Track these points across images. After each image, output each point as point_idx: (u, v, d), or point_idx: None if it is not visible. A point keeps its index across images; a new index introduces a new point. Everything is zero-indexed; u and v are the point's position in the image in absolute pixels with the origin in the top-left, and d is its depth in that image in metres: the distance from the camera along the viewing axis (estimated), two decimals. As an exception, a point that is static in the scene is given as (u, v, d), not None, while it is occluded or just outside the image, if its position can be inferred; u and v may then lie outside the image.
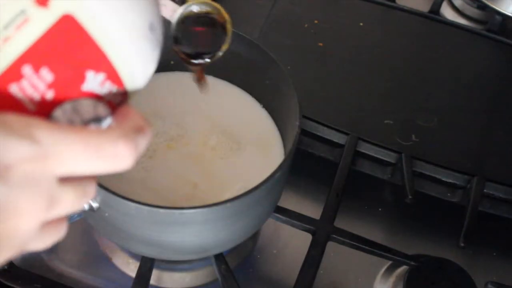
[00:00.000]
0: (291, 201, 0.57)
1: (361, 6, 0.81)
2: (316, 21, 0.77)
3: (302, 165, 0.61)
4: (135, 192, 0.49)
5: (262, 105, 0.58)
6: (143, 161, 0.52)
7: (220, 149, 0.54)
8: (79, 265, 0.55)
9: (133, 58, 0.29)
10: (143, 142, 0.28)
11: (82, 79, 0.27)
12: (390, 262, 0.58)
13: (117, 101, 0.30)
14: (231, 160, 0.53)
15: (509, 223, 0.63)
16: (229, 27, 0.44)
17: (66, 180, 0.26)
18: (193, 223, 0.44)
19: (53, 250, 0.56)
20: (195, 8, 0.44)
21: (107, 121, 0.29)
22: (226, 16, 0.44)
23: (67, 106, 0.27)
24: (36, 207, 0.25)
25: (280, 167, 0.45)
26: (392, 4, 0.82)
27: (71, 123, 0.27)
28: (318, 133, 0.64)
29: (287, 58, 0.53)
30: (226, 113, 0.57)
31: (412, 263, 0.54)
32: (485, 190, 0.62)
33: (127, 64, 0.28)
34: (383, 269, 0.58)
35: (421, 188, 0.63)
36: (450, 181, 0.63)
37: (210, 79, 0.59)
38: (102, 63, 0.27)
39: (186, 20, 0.43)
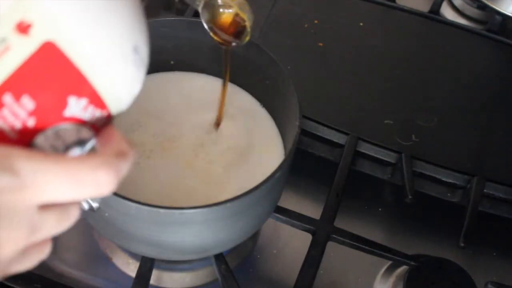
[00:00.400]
0: (291, 201, 0.57)
1: (361, 6, 0.81)
2: (316, 21, 0.77)
3: (302, 165, 0.61)
4: (133, 192, 0.49)
5: (262, 105, 0.58)
6: (140, 161, 0.52)
7: (219, 149, 0.54)
8: (79, 265, 0.55)
9: (117, 81, 0.28)
10: (125, 167, 0.28)
11: (64, 105, 0.26)
12: (390, 262, 0.58)
13: (101, 123, 0.29)
14: (230, 160, 0.53)
15: (509, 223, 0.63)
16: (247, 25, 0.48)
17: (47, 207, 0.26)
18: (193, 223, 0.44)
19: (53, 250, 0.56)
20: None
21: (91, 143, 0.28)
22: (245, 17, 0.48)
23: (49, 133, 0.27)
24: (17, 236, 0.25)
25: (280, 167, 0.45)
26: (392, 4, 0.82)
27: (54, 148, 0.27)
28: (318, 133, 0.64)
29: (287, 58, 0.53)
30: (225, 113, 0.57)
31: (412, 263, 0.54)
32: (485, 190, 0.62)
33: (110, 87, 0.28)
34: (383, 269, 0.58)
35: (421, 188, 0.63)
36: (450, 181, 0.63)
37: (211, 79, 0.59)
38: (85, 89, 0.27)
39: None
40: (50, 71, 0.25)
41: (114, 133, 0.29)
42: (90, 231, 0.58)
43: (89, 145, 0.28)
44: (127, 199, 0.42)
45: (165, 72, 0.59)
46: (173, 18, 0.56)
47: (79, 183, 0.26)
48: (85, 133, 0.28)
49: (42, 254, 0.29)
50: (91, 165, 0.26)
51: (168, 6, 0.83)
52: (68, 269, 0.55)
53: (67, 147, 0.27)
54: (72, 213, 0.29)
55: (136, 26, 0.29)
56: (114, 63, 0.28)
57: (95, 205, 0.44)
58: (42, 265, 0.54)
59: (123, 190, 0.43)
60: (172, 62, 0.58)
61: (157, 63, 0.58)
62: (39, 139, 0.27)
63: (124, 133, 0.52)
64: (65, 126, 0.27)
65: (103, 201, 0.43)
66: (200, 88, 0.59)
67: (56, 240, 0.56)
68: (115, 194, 0.41)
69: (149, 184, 0.50)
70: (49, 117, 0.26)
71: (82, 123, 0.28)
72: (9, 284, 0.51)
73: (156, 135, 0.54)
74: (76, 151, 0.28)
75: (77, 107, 0.27)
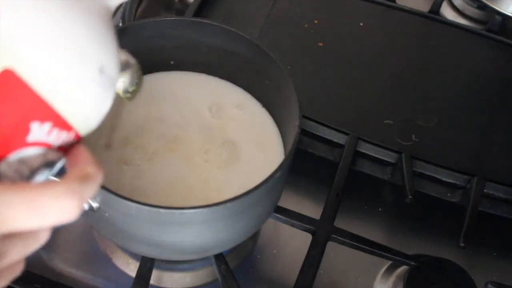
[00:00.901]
0: (291, 201, 0.57)
1: (361, 6, 0.81)
2: (316, 21, 0.77)
3: (302, 165, 0.61)
4: (134, 193, 0.49)
5: (262, 105, 0.58)
6: (141, 163, 0.52)
7: (220, 149, 0.54)
8: (79, 265, 0.55)
9: (82, 103, 0.28)
10: (89, 191, 0.28)
11: (26, 131, 0.26)
12: (390, 262, 0.58)
13: (69, 144, 0.29)
14: (230, 160, 0.53)
15: (509, 223, 0.63)
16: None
17: (12, 234, 0.26)
18: (193, 223, 0.44)
19: (53, 249, 0.56)
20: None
21: (60, 164, 0.28)
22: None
23: (12, 159, 0.26)
24: None
25: (280, 167, 0.45)
26: (392, 4, 0.82)
27: (19, 174, 0.26)
28: (318, 133, 0.64)
29: (287, 58, 0.53)
30: (226, 113, 0.57)
31: (412, 263, 0.54)
32: (485, 190, 0.62)
33: (75, 110, 0.27)
34: (383, 269, 0.58)
35: (421, 188, 0.63)
36: (450, 181, 0.63)
37: (211, 79, 0.59)
38: (47, 113, 0.26)
39: None
40: (9, 98, 0.25)
41: (81, 154, 0.29)
42: (90, 231, 0.58)
43: (58, 166, 0.28)
44: (127, 199, 0.41)
45: (165, 72, 0.59)
46: (173, 18, 0.56)
47: (41, 213, 0.25)
48: (52, 155, 0.27)
49: (14, 273, 0.29)
50: (53, 194, 0.26)
51: (168, 6, 0.84)
52: (68, 269, 0.55)
53: (34, 172, 0.27)
54: (40, 236, 0.28)
55: (102, 45, 0.28)
56: (77, 86, 0.27)
57: (95, 205, 0.44)
58: (42, 265, 0.54)
59: (125, 191, 0.43)
60: (172, 62, 0.58)
61: (157, 63, 0.58)
62: (3, 167, 0.26)
63: (126, 135, 0.52)
64: (29, 151, 0.27)
65: (103, 201, 0.43)
66: (200, 88, 0.59)
67: (56, 240, 0.57)
68: (115, 194, 0.41)
69: (150, 185, 0.50)
70: (11, 143, 0.26)
71: (48, 146, 0.27)
72: (8, 284, 0.51)
73: (157, 137, 0.54)
74: (44, 175, 0.28)
75: (41, 132, 0.27)
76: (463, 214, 0.60)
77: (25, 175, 0.27)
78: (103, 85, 0.28)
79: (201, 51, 0.57)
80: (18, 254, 0.27)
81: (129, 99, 0.41)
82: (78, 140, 0.29)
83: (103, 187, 0.42)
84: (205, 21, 0.55)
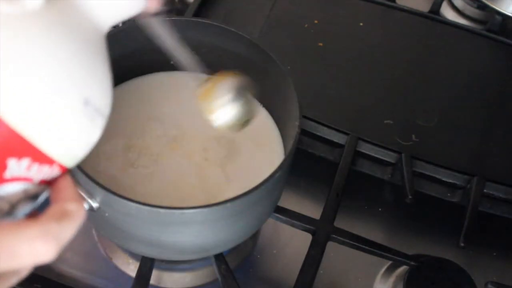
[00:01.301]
0: (291, 201, 0.57)
1: (361, 6, 0.81)
2: (316, 21, 0.77)
3: (302, 165, 0.61)
4: (136, 194, 0.49)
5: (262, 105, 0.58)
6: (139, 164, 0.52)
7: (220, 149, 0.54)
8: (79, 265, 0.55)
9: (64, 136, 0.26)
10: (68, 231, 0.27)
11: (3, 167, 0.25)
12: (390, 262, 0.58)
13: (53, 176, 0.27)
14: (230, 160, 0.53)
15: (509, 223, 0.63)
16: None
17: None
18: (193, 223, 0.44)
19: (53, 250, 0.56)
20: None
21: (44, 195, 0.27)
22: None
23: None
24: None
25: (280, 167, 0.45)
26: (392, 4, 0.82)
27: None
28: (318, 133, 0.64)
29: (287, 58, 0.52)
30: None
31: (412, 263, 0.54)
32: (485, 190, 0.62)
33: (56, 143, 0.26)
34: (383, 269, 0.58)
35: (421, 188, 0.63)
36: (450, 181, 0.63)
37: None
38: (24, 148, 0.25)
39: None
40: None
41: (64, 188, 0.27)
42: (90, 231, 0.58)
43: (42, 198, 0.27)
44: (127, 199, 0.41)
45: (165, 72, 0.59)
46: (173, 18, 0.56)
47: (15, 256, 0.24)
48: (33, 189, 0.26)
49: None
50: (27, 236, 0.25)
51: (168, 6, 0.83)
52: (68, 269, 0.55)
53: (15, 206, 0.26)
54: (20, 273, 0.27)
55: (86, 74, 0.26)
56: (57, 118, 0.25)
57: (95, 205, 0.44)
58: (42, 265, 0.54)
59: (126, 191, 0.43)
60: (172, 62, 0.58)
61: (157, 63, 0.58)
62: None
63: (128, 137, 0.52)
64: (7, 187, 0.25)
65: (103, 201, 0.43)
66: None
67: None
68: (116, 194, 0.41)
69: (150, 186, 0.50)
70: None
71: (28, 180, 0.26)
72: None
73: (158, 138, 0.54)
74: (27, 207, 0.27)
75: (19, 168, 0.25)
76: (463, 214, 0.60)
77: (4, 210, 0.26)
78: (89, 116, 0.26)
79: (201, 51, 0.57)
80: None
81: (237, 129, 0.40)
82: (64, 172, 0.28)
83: (103, 187, 0.42)
84: (205, 21, 0.55)
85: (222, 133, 0.55)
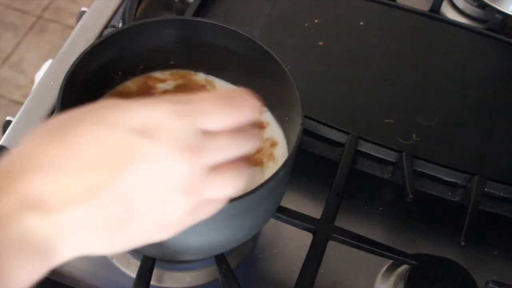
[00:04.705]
0: (291, 201, 0.57)
1: (361, 5, 0.80)
2: (316, 20, 0.77)
3: (303, 165, 0.61)
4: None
5: (263, 104, 0.58)
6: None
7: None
8: (79, 265, 0.55)
9: None
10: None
11: None
12: (391, 261, 0.58)
13: None
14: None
15: (510, 222, 0.63)
16: None
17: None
18: (198, 222, 0.44)
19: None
20: None
21: None
22: None
23: None
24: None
25: (284, 165, 0.45)
26: (393, 3, 0.82)
27: None
28: (318, 132, 0.64)
29: (287, 58, 0.52)
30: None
31: (413, 262, 0.54)
32: (486, 189, 0.62)
33: None
34: (384, 268, 0.58)
35: (421, 187, 0.63)
36: (451, 180, 0.63)
37: (211, 78, 0.59)
38: None
39: None
40: None
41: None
42: (90, 231, 0.58)
43: None
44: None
45: (165, 72, 0.59)
46: (173, 18, 0.56)
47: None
48: None
49: (213, 208, 0.34)
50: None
51: (168, 6, 0.83)
52: (68, 269, 0.55)
53: None
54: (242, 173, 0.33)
55: None
56: None
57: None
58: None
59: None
60: (172, 62, 0.58)
61: (157, 63, 0.57)
62: None
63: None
64: None
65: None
66: (200, 88, 0.59)
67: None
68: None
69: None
70: None
71: None
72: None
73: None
74: None
75: None
76: (464, 213, 0.60)
77: None
78: None
79: (201, 51, 0.57)
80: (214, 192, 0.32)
81: None
82: None
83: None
84: (206, 20, 0.55)
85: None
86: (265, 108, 0.57)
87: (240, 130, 0.32)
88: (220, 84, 0.59)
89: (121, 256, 0.56)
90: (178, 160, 0.29)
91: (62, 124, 0.31)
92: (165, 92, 0.56)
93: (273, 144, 0.54)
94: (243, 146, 0.33)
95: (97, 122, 0.30)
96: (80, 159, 0.29)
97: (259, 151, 0.52)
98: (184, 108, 0.30)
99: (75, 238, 0.30)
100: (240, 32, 0.53)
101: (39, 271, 0.29)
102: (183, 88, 0.56)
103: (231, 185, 0.32)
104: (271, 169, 0.52)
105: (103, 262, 0.56)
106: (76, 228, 0.29)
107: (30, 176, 0.29)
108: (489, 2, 0.80)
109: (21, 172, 0.29)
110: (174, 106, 0.30)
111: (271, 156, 0.53)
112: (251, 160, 0.50)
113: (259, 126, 0.53)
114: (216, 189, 0.32)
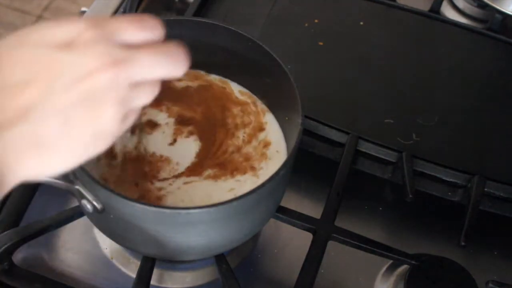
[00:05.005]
0: (291, 201, 0.57)
1: (361, 5, 0.81)
2: (316, 20, 0.77)
3: (303, 165, 0.61)
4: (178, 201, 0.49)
5: (263, 104, 0.58)
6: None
7: (222, 148, 0.54)
8: (79, 265, 0.55)
9: None
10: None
11: None
12: (391, 261, 0.58)
13: None
14: (231, 160, 0.53)
15: (510, 222, 0.63)
16: None
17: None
18: (198, 223, 0.44)
19: (54, 249, 0.56)
20: None
21: None
22: None
23: None
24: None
25: (284, 165, 0.45)
26: (393, 3, 0.82)
27: None
28: (319, 132, 0.64)
29: (287, 58, 0.52)
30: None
31: (413, 262, 0.54)
32: (485, 189, 0.62)
33: None
34: (384, 268, 0.58)
35: (421, 187, 0.63)
36: (451, 180, 0.63)
37: (211, 78, 0.59)
38: None
39: None
40: None
41: None
42: (90, 230, 0.58)
43: None
44: (132, 200, 0.42)
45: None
46: (173, 18, 0.56)
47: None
48: None
49: (135, 116, 0.35)
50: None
51: (168, 6, 0.83)
52: (68, 269, 0.55)
53: None
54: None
55: None
56: None
57: (99, 206, 0.44)
58: (42, 265, 0.54)
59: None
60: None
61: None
62: None
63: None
64: None
65: (108, 203, 0.43)
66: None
67: (56, 240, 0.56)
68: (120, 195, 0.41)
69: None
70: None
71: None
72: (9, 283, 0.51)
73: (163, 135, 0.54)
74: None
75: None
76: (464, 213, 0.60)
77: None
78: None
79: (201, 51, 0.57)
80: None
81: None
82: None
83: (108, 189, 0.42)
84: (205, 20, 0.55)
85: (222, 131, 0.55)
86: (265, 108, 0.57)
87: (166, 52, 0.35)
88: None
89: (121, 256, 0.56)
90: (103, 69, 0.31)
91: None
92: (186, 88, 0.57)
93: (266, 144, 0.54)
94: (167, 63, 0.35)
95: (21, 43, 0.31)
96: (9, 80, 0.30)
97: (248, 158, 0.53)
98: (102, 23, 0.32)
99: (17, 160, 0.30)
100: (240, 32, 0.53)
101: None
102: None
103: (160, 65, 0.34)
104: (264, 170, 0.52)
105: (103, 262, 0.56)
106: (15, 149, 0.30)
107: None
108: (489, 2, 0.80)
109: None
110: (92, 22, 0.32)
111: (263, 156, 0.53)
112: (244, 167, 0.51)
113: (259, 126, 0.53)
114: (145, 70, 0.33)
